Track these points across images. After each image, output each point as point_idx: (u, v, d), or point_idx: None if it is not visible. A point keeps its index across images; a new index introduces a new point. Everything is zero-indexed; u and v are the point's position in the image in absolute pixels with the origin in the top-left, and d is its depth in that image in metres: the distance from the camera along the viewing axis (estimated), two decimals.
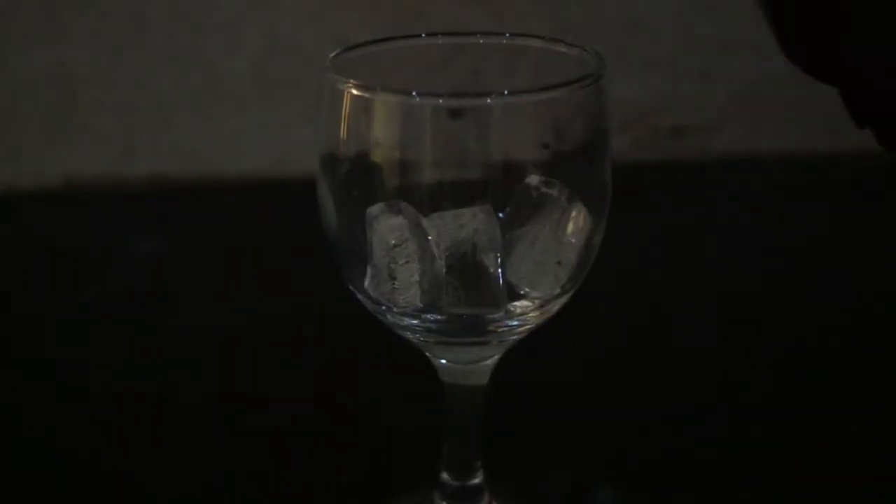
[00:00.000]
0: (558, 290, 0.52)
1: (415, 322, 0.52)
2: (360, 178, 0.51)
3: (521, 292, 0.52)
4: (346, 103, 0.51)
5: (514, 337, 0.53)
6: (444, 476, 0.57)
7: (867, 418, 0.65)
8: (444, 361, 0.54)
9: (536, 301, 0.52)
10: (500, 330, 0.53)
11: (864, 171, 0.94)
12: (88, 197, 0.93)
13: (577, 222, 0.52)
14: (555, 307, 0.53)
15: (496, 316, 0.52)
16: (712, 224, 0.87)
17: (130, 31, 0.92)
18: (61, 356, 0.73)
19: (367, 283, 0.52)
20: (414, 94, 0.50)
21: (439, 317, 0.52)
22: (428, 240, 0.51)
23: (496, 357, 0.55)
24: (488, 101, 0.50)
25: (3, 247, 0.86)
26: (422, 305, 0.51)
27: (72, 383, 0.70)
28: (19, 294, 0.79)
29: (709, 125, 0.95)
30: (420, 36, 0.55)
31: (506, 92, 0.50)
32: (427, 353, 0.55)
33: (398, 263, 0.51)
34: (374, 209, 0.51)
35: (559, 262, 0.52)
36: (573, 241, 0.52)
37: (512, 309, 0.52)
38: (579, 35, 0.81)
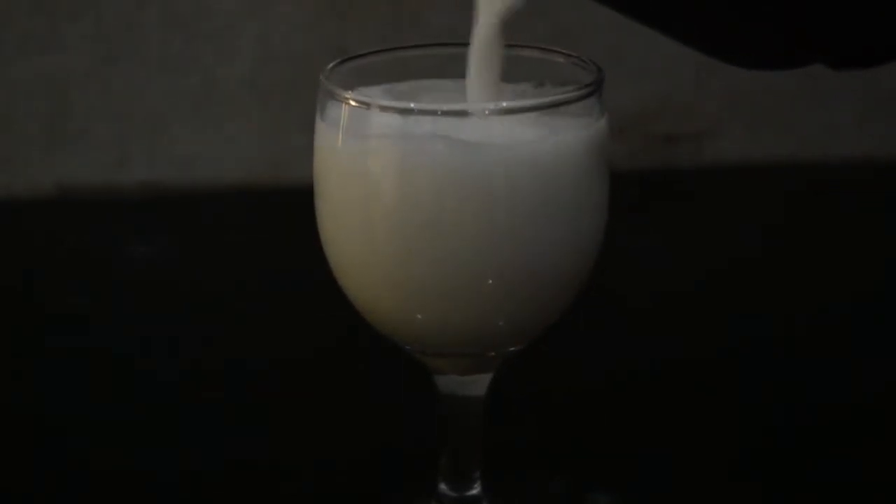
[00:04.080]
0: None
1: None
2: None
3: None
4: (344, 115, 0.51)
5: (513, 349, 0.53)
6: (442, 487, 0.57)
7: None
8: (441, 373, 0.54)
9: None
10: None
11: (863, 177, 0.94)
12: (83, 204, 0.93)
13: None
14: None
15: None
16: (710, 231, 0.87)
17: (125, 37, 0.92)
18: (56, 362, 0.72)
19: None
20: (412, 105, 0.50)
21: None
22: None
23: (495, 368, 0.55)
24: (486, 111, 0.50)
25: None
26: None
27: (68, 388, 0.70)
28: (12, 302, 0.79)
29: (704, 132, 0.95)
30: (416, 46, 0.55)
31: (504, 103, 0.50)
32: (424, 364, 0.55)
33: None
34: None
35: None
36: None
37: None
38: (574, 41, 0.81)
